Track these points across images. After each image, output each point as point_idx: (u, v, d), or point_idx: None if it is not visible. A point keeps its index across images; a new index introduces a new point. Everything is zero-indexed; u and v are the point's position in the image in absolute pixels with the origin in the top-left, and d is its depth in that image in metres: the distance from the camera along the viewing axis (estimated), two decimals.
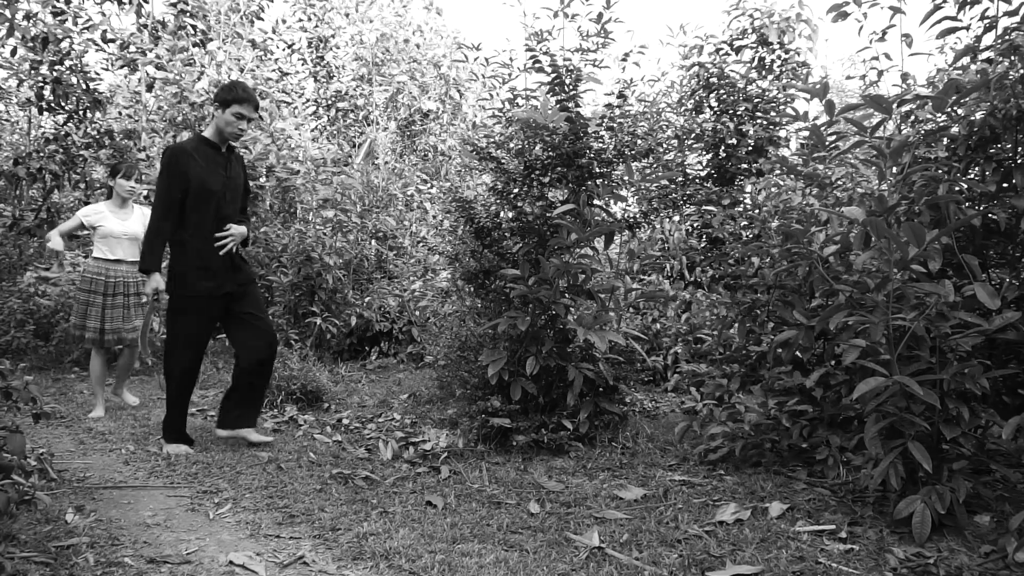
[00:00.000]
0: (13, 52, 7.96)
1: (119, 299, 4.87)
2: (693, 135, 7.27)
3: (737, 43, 7.60)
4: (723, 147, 7.20)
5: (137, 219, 4.93)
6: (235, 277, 3.80)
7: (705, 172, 7.50)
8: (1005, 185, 2.87)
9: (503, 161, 4.08)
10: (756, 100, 7.20)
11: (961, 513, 2.42)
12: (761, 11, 7.44)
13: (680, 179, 7.31)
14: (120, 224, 4.86)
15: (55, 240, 4.80)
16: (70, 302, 6.74)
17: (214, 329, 3.89)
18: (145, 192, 7.71)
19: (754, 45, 7.52)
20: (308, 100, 11.29)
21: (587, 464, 3.45)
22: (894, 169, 2.94)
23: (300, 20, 11.74)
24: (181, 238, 3.69)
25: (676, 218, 7.58)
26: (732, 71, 7.42)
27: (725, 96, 7.30)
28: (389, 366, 6.82)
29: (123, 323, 4.88)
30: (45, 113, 8.30)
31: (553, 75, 4.00)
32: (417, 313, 6.98)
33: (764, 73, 7.48)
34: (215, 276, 3.71)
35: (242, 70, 8.72)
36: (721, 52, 7.61)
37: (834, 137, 3.17)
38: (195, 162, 3.65)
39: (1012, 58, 2.88)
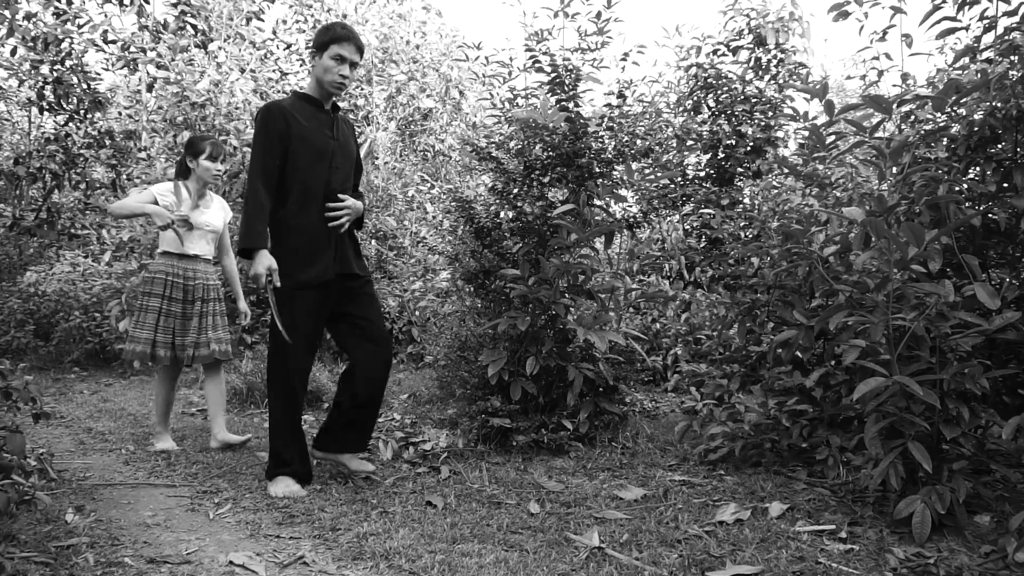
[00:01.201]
0: (13, 52, 7.96)
1: (197, 306, 3.87)
2: (692, 136, 7.28)
3: (734, 44, 7.60)
4: (721, 148, 7.21)
5: (217, 210, 4.02)
6: (349, 262, 3.13)
7: (704, 172, 7.51)
8: (1005, 185, 2.87)
9: (503, 161, 4.08)
10: (753, 101, 7.20)
11: (961, 513, 2.42)
12: (757, 11, 7.44)
13: (679, 179, 7.32)
14: (199, 213, 3.91)
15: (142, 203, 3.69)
16: (70, 302, 6.74)
17: (323, 326, 3.17)
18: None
19: (750, 46, 7.52)
20: None
21: (587, 464, 3.45)
22: (894, 169, 2.94)
23: (297, 22, 11.75)
24: (281, 216, 3.00)
25: (675, 218, 7.59)
26: (729, 72, 7.42)
27: (723, 97, 7.30)
28: None
29: (210, 334, 3.91)
30: (45, 113, 8.30)
31: (553, 75, 4.00)
32: (417, 313, 6.98)
33: (761, 73, 7.49)
34: (323, 260, 3.03)
35: (243, 70, 8.72)
36: (719, 53, 7.62)
37: (834, 137, 3.17)
38: (294, 120, 2.99)
39: (1012, 58, 2.88)
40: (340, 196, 3.06)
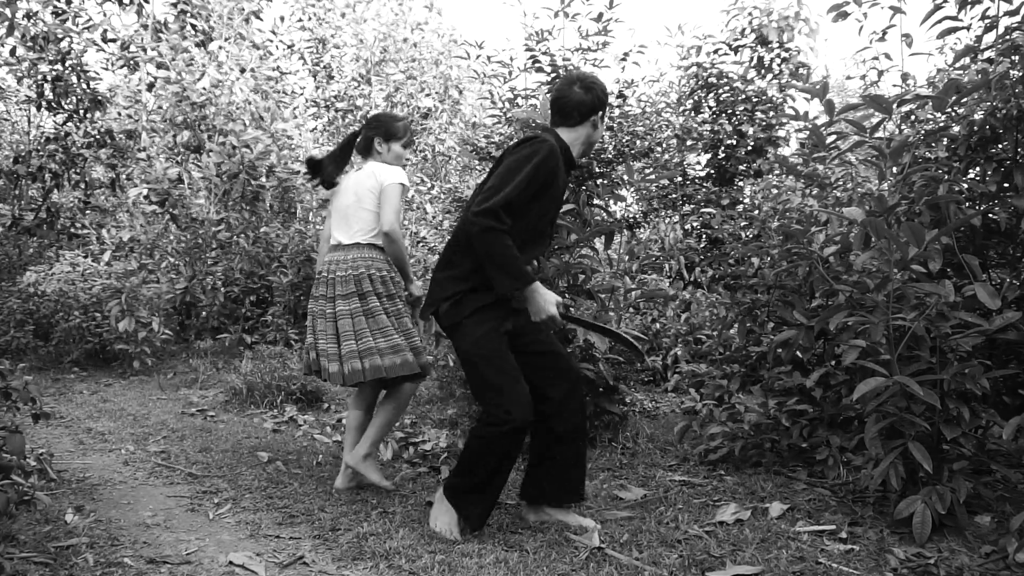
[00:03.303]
0: (13, 51, 7.95)
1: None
2: (692, 135, 7.28)
3: (736, 43, 7.59)
4: (722, 147, 7.20)
5: None
6: None
7: (704, 172, 7.51)
8: (1005, 185, 2.87)
9: None
10: (754, 100, 7.20)
11: (961, 513, 2.42)
12: (760, 10, 7.43)
13: (679, 179, 7.32)
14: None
15: (414, 284, 3.22)
16: (70, 302, 6.72)
17: None
18: (146, 192, 7.72)
19: (753, 45, 7.52)
20: (308, 100, 11.31)
21: (587, 464, 3.45)
22: (894, 169, 2.94)
23: (300, 20, 11.73)
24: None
25: (675, 218, 7.59)
26: (730, 72, 7.42)
27: (724, 96, 7.30)
28: None
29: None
30: (45, 112, 8.29)
31: (553, 75, 4.00)
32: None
33: (763, 73, 7.48)
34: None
35: (243, 70, 8.72)
36: (720, 52, 7.61)
37: (834, 137, 3.16)
38: (560, 172, 2.67)
39: (1013, 58, 2.87)
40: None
